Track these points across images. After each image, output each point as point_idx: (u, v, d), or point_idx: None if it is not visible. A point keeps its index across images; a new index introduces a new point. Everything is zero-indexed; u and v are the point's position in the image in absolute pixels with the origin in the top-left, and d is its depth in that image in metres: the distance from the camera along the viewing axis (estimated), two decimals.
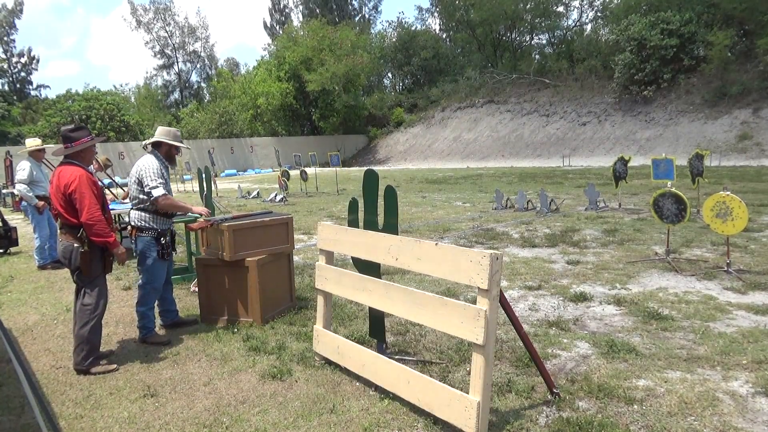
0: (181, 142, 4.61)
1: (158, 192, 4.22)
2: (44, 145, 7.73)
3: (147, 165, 4.30)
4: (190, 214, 4.86)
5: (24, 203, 7.72)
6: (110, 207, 7.25)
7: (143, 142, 4.52)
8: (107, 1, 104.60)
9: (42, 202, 7.27)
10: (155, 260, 4.32)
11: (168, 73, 58.44)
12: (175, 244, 4.76)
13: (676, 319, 4.34)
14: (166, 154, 4.51)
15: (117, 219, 7.66)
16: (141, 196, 4.33)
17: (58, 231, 3.91)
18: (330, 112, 41.90)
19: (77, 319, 3.84)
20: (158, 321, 4.69)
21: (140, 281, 4.38)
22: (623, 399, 3.07)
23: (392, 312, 3.23)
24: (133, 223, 4.36)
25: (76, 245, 3.74)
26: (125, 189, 4.74)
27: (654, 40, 27.16)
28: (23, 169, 7.31)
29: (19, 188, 7.42)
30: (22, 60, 53.15)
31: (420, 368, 3.53)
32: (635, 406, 3.00)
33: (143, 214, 4.32)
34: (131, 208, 4.45)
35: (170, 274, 4.70)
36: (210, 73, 58.73)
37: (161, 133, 4.50)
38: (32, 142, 7.66)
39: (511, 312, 2.95)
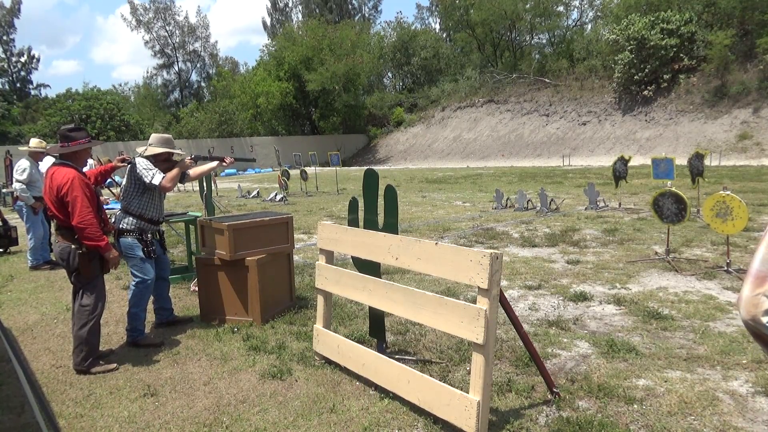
0: (174, 147, 4.60)
1: (157, 180, 4.22)
2: (45, 147, 7.69)
3: (138, 162, 4.30)
4: (190, 213, 4.89)
5: (18, 203, 7.73)
6: (110, 207, 7.32)
7: (139, 150, 4.50)
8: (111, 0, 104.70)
9: (39, 203, 7.27)
10: (142, 259, 4.29)
11: (168, 72, 58.35)
12: (165, 244, 4.75)
13: (676, 319, 4.34)
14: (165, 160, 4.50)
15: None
16: (133, 200, 4.32)
17: (55, 232, 3.87)
18: (330, 111, 41.86)
19: (76, 320, 3.84)
20: (153, 319, 4.68)
21: (131, 282, 4.36)
22: (623, 398, 3.07)
23: (392, 311, 3.23)
24: (116, 225, 4.35)
25: (73, 247, 3.72)
26: None
27: (654, 39, 27.15)
28: (23, 169, 7.31)
29: (16, 186, 7.42)
30: (22, 59, 53.10)
31: (420, 368, 3.53)
32: (635, 406, 3.00)
33: (129, 217, 4.31)
34: (120, 209, 4.44)
35: (167, 272, 4.70)
36: (210, 72, 58.63)
37: (158, 142, 4.48)
38: (35, 143, 7.66)
39: (511, 311, 2.95)
